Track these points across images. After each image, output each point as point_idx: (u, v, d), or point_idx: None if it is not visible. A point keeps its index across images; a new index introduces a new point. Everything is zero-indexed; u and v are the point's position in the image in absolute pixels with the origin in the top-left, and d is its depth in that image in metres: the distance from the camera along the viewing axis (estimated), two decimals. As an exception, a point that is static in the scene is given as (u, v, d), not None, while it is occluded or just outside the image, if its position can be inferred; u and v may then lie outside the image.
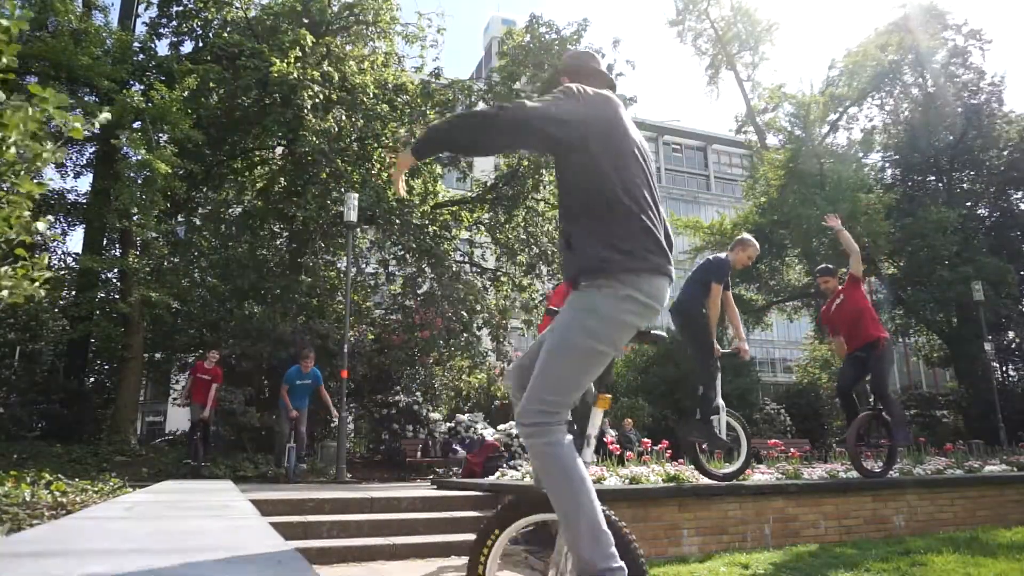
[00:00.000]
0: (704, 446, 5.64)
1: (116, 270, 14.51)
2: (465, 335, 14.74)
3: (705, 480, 5.58)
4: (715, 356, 5.46)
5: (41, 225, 3.40)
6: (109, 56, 13.70)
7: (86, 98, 13.27)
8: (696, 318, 5.49)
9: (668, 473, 5.75)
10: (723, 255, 5.69)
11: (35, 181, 3.45)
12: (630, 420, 14.95)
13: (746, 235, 5.88)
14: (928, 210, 21.56)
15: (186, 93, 12.52)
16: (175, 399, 16.15)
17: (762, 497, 5.36)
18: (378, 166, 15.49)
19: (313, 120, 13.43)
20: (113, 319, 14.23)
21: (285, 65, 13.12)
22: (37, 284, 3.44)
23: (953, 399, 24.59)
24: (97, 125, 3.68)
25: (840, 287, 6.45)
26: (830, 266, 6.83)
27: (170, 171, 11.68)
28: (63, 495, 4.18)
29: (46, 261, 3.55)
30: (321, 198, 14.09)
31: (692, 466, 5.66)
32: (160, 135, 12.73)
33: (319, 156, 13.53)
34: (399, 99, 15.78)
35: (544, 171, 16.65)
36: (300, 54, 13.65)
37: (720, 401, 5.42)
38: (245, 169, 17.03)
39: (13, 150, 3.10)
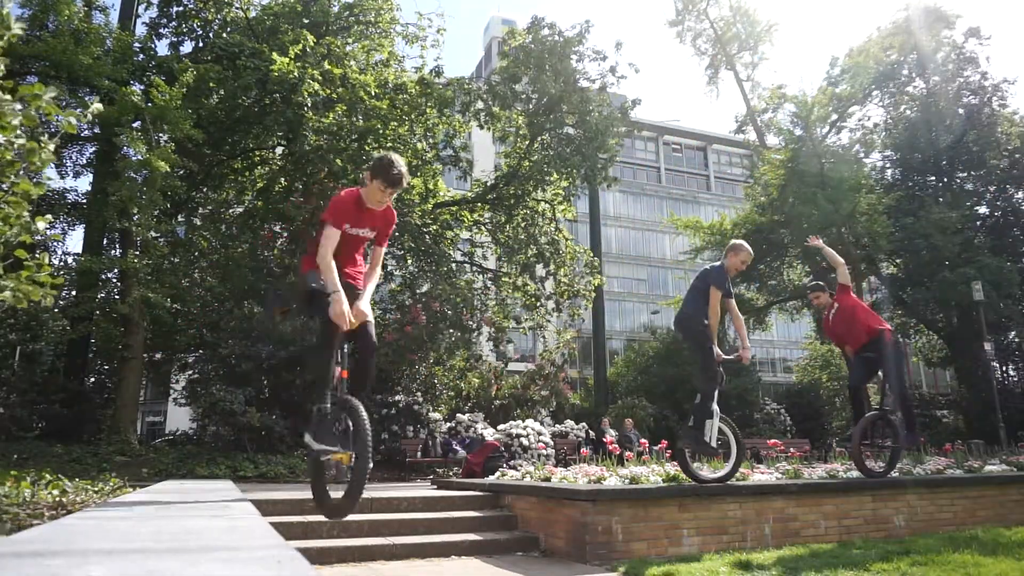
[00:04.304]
0: (692, 452, 5.67)
1: (116, 270, 14.53)
2: (453, 332, 14.67)
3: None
4: (717, 365, 5.48)
5: (41, 224, 3.38)
6: (109, 56, 13.71)
7: (86, 98, 13.29)
8: (698, 330, 5.55)
9: (668, 473, 5.75)
10: (718, 263, 5.81)
11: (35, 181, 3.44)
12: (630, 420, 14.98)
13: (738, 240, 5.97)
14: (930, 210, 21.56)
15: (184, 89, 12.52)
16: (175, 399, 16.14)
17: (762, 497, 5.35)
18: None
19: (313, 116, 13.44)
20: (113, 319, 14.23)
21: (285, 61, 13.11)
22: (44, 289, 3.43)
23: (953, 399, 24.61)
24: (89, 116, 3.67)
25: (832, 298, 6.64)
26: (819, 282, 7.02)
27: (168, 169, 11.66)
28: (63, 495, 4.18)
29: (46, 260, 3.53)
30: (314, 199, 14.10)
31: (682, 472, 5.67)
32: (160, 135, 12.74)
33: (317, 155, 13.54)
34: (399, 98, 15.78)
35: (546, 172, 16.62)
36: (300, 51, 13.65)
37: (715, 407, 5.44)
38: (245, 169, 17.03)
39: (10, 150, 3.09)
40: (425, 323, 13.72)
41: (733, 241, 5.97)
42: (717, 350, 5.53)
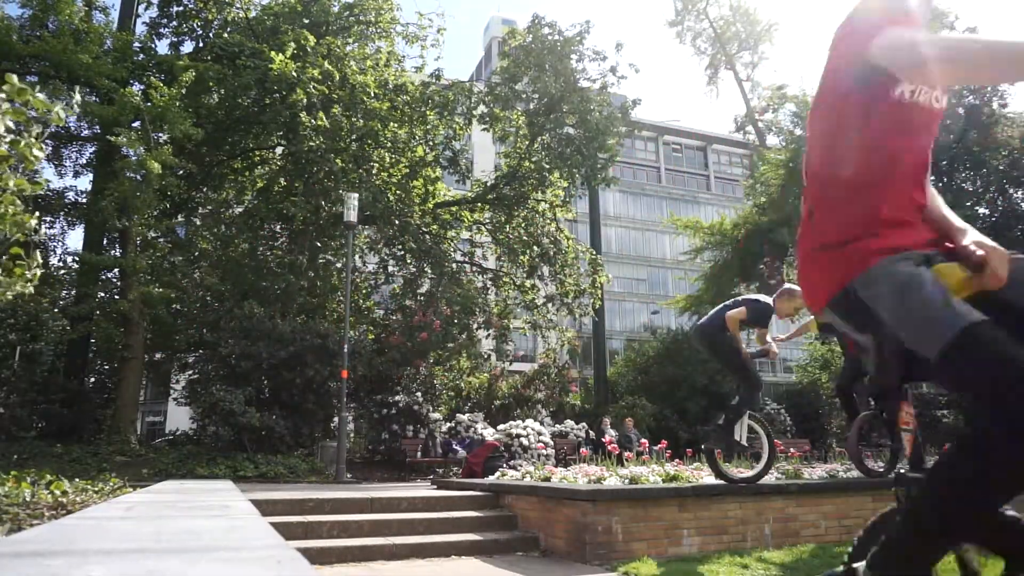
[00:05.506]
0: (721, 452, 5.56)
1: (116, 269, 14.53)
2: (463, 336, 14.73)
3: (705, 480, 5.58)
4: (752, 370, 5.44)
5: (32, 221, 3.38)
6: (109, 56, 13.72)
7: (86, 97, 13.30)
8: (722, 343, 5.44)
9: (668, 473, 5.75)
10: (770, 301, 5.54)
11: (32, 180, 3.44)
12: (630, 420, 14.96)
13: (793, 286, 5.51)
14: (929, 210, 21.54)
15: (183, 90, 12.53)
16: (175, 399, 16.14)
17: (762, 497, 5.35)
18: (376, 166, 15.48)
19: (307, 117, 13.44)
20: (113, 319, 14.23)
21: (282, 60, 13.10)
22: (29, 283, 3.43)
23: (953, 399, 24.58)
24: (75, 108, 3.67)
25: None
26: None
27: (162, 169, 11.65)
28: (63, 495, 4.18)
29: (38, 258, 3.53)
30: (317, 197, 14.11)
31: (712, 472, 5.58)
32: (160, 134, 12.74)
33: (316, 156, 13.55)
34: (399, 99, 15.79)
35: (547, 172, 16.60)
36: (298, 51, 13.64)
37: (741, 429, 5.41)
38: (245, 169, 17.04)
39: (3, 146, 3.08)
40: (439, 329, 13.73)
41: (789, 286, 5.53)
42: (744, 349, 5.49)
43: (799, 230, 1.58)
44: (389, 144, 15.37)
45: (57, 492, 4.25)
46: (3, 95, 3.06)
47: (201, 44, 16.08)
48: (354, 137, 14.66)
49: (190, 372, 14.63)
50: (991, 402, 1.24)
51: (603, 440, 10.48)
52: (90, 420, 14.53)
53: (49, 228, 17.40)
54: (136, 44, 15.12)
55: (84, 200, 16.52)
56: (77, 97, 3.73)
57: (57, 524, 2.69)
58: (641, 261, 53.99)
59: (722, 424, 5.35)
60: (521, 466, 8.74)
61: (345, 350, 11.05)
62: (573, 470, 6.40)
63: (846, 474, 6.24)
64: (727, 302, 5.73)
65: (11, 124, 3.11)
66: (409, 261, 16.75)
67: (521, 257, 17.10)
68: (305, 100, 13.46)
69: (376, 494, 6.03)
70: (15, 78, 3.17)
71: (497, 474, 7.31)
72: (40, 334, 13.74)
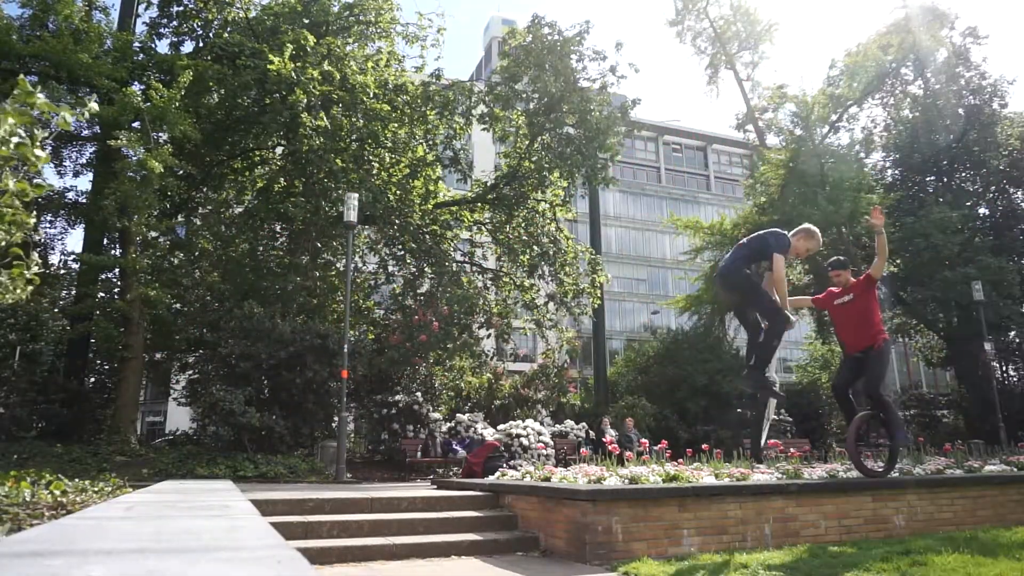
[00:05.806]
0: (760, 396, 5.67)
1: (116, 270, 14.53)
2: (463, 336, 14.74)
3: (705, 480, 5.58)
4: (784, 310, 5.51)
5: (31, 220, 3.37)
6: (109, 56, 13.72)
7: (85, 97, 13.29)
8: (743, 279, 5.52)
9: (668, 473, 5.75)
10: (783, 233, 5.67)
11: (34, 182, 3.43)
12: (630, 420, 14.97)
13: (813, 227, 5.82)
14: (930, 210, 21.55)
15: (183, 91, 12.52)
16: (175, 399, 16.13)
17: (762, 497, 5.35)
18: (376, 166, 15.47)
19: (307, 117, 13.44)
20: (113, 319, 14.24)
21: (280, 62, 13.10)
22: (28, 287, 3.43)
23: (953, 399, 24.60)
24: (86, 115, 3.64)
25: (853, 283, 6.17)
26: (843, 258, 6.48)
27: (163, 170, 11.65)
28: (63, 495, 4.17)
29: (35, 258, 3.53)
30: (317, 197, 14.11)
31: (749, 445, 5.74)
32: (160, 134, 12.74)
33: (316, 156, 13.55)
34: (399, 99, 15.78)
35: (547, 172, 16.60)
36: (296, 50, 13.64)
37: (773, 376, 5.50)
38: (245, 169, 17.03)
39: (5, 148, 3.07)
40: (439, 330, 13.73)
41: (808, 226, 5.73)
42: (789, 313, 5.55)
43: None
44: (389, 144, 15.36)
45: (57, 492, 4.24)
46: (13, 100, 3.06)
47: (201, 44, 16.07)
48: (354, 137, 14.65)
49: (190, 372, 14.63)
50: None
51: (603, 440, 10.48)
52: (90, 420, 14.53)
53: (49, 228, 17.40)
54: (136, 44, 15.11)
55: (84, 200, 16.52)
56: (93, 105, 3.69)
57: (57, 524, 2.69)
58: (641, 261, 54.02)
59: (754, 365, 5.42)
60: (521, 466, 8.74)
61: (345, 350, 11.05)
62: (573, 470, 6.40)
63: (846, 474, 6.24)
64: (749, 243, 5.71)
65: (22, 132, 3.10)
66: (409, 261, 16.74)
67: (521, 257, 17.07)
68: (305, 100, 13.47)
69: (376, 494, 6.03)
70: (27, 82, 3.17)
71: (497, 474, 7.31)
72: (40, 334, 13.75)
